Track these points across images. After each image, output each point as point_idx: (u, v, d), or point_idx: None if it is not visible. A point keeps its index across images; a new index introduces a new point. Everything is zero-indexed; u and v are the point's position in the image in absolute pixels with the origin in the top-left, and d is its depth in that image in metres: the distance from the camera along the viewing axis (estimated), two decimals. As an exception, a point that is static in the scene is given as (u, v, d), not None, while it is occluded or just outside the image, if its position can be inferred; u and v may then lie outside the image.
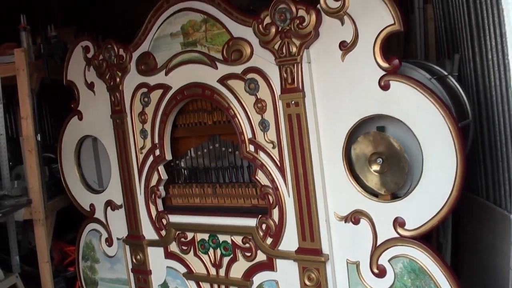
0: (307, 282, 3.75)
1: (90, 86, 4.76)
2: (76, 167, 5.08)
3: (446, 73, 4.14)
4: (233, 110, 3.92)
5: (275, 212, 3.84)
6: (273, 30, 3.62)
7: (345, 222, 3.61)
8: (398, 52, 5.68)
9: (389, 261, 3.47)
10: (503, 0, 1.83)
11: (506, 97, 3.58)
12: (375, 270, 3.53)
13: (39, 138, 5.30)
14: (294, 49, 3.57)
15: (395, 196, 3.51)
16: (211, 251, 4.24)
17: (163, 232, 4.46)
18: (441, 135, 3.19)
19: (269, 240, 3.90)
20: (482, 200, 4.15)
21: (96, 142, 4.98)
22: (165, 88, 4.25)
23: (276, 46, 3.64)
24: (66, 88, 5.09)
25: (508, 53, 1.91)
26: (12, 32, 5.62)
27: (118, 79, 4.48)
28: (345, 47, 3.43)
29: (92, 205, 4.98)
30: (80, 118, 4.91)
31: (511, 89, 2.33)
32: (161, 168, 4.40)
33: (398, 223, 3.40)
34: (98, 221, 4.97)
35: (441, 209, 3.25)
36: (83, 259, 5.20)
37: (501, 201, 3.80)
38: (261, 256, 3.98)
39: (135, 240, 4.65)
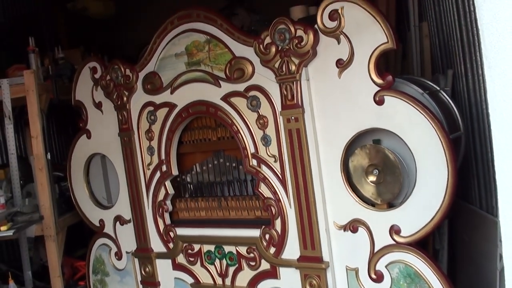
0: (309, 289, 3.91)
1: (98, 106, 4.89)
2: (85, 184, 5.19)
3: (438, 88, 4.28)
4: (236, 126, 4.06)
5: (278, 223, 3.99)
6: (273, 49, 3.78)
7: (344, 230, 3.76)
8: (396, 67, 5.82)
9: (386, 266, 3.62)
10: (479, 20, 1.98)
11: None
12: (373, 276, 3.68)
13: (49, 157, 5.39)
14: (293, 67, 3.73)
15: (391, 205, 3.67)
16: (217, 261, 4.38)
17: (171, 245, 4.59)
18: (433, 146, 3.35)
19: (272, 250, 4.04)
20: (476, 209, 4.25)
21: (104, 159, 5.09)
22: (171, 106, 4.38)
23: (276, 65, 3.79)
24: (72, 107, 5.23)
25: (483, 70, 2.08)
26: (21, 55, 5.78)
27: (125, 98, 4.62)
28: (342, 65, 3.59)
29: (101, 221, 5.10)
30: (89, 137, 5.03)
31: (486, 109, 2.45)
32: (168, 183, 4.53)
33: (394, 230, 3.56)
34: (107, 235, 5.08)
35: (434, 216, 3.40)
36: (93, 273, 5.30)
37: (493, 209, 3.92)
38: (265, 265, 4.12)
39: (143, 253, 4.78)
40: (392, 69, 5.75)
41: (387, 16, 3.47)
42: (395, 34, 3.43)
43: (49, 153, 5.42)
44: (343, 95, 3.63)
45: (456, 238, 4.70)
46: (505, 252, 2.15)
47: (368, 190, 3.69)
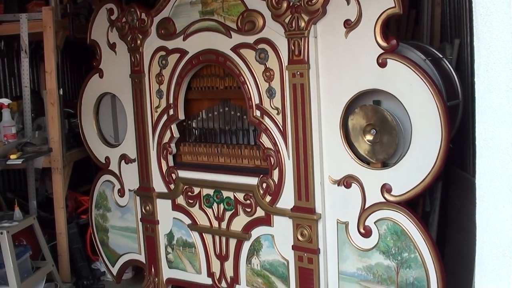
0: (300, 238, 4.05)
1: (112, 46, 5.00)
2: (95, 122, 5.34)
3: (441, 56, 4.38)
4: (243, 77, 4.17)
5: (275, 173, 4.13)
6: (284, 5, 3.86)
7: (338, 185, 3.90)
8: (407, 33, 5.88)
9: (375, 222, 3.77)
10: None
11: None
12: (362, 230, 3.83)
13: (61, 92, 5.51)
14: (302, 24, 3.83)
15: (384, 164, 3.81)
16: (215, 205, 4.53)
17: (172, 186, 4.75)
18: (430, 111, 3.46)
19: (268, 198, 4.19)
20: (469, 176, 4.33)
21: (114, 99, 5.23)
22: (182, 52, 4.49)
23: (287, 20, 3.88)
24: (87, 46, 5.34)
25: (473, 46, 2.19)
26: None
27: (139, 41, 4.73)
28: (349, 25, 3.69)
29: (107, 158, 5.26)
30: (101, 76, 5.16)
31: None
32: (174, 126, 4.66)
33: (386, 189, 3.70)
34: (112, 173, 5.25)
35: (424, 178, 3.54)
36: (96, 207, 5.48)
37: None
38: (260, 212, 4.28)
39: (145, 192, 4.94)
40: (404, 33, 5.81)
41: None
42: (403, 0, 3.51)
43: (61, 89, 5.52)
44: (348, 54, 3.73)
45: (448, 204, 4.81)
46: (477, 212, 2.28)
47: (364, 148, 3.82)
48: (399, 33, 5.74)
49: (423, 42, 5.18)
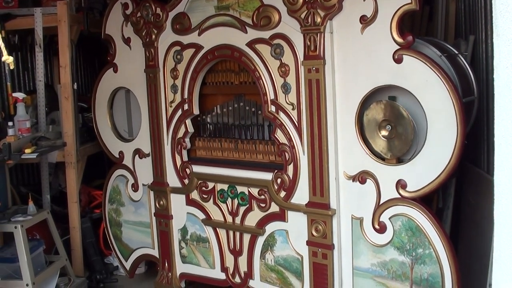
0: (314, 233, 4.06)
1: (127, 41, 5.02)
2: (109, 116, 5.36)
3: (456, 52, 4.37)
4: (258, 72, 4.18)
5: (290, 168, 4.13)
6: (300, 0, 3.87)
7: (353, 181, 3.91)
8: (421, 28, 5.87)
9: (389, 218, 3.77)
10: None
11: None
12: (377, 226, 3.83)
13: (75, 87, 5.51)
14: (318, 19, 3.83)
15: (400, 161, 3.81)
16: (229, 200, 4.55)
17: (186, 181, 4.77)
18: (445, 108, 3.46)
19: (282, 193, 4.20)
20: (483, 173, 4.34)
21: (128, 94, 5.24)
22: (197, 47, 4.49)
23: (303, 15, 3.88)
24: (101, 41, 5.36)
25: (492, 42, 2.19)
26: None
27: (153, 36, 4.74)
28: (365, 21, 3.69)
29: (121, 153, 5.28)
30: (115, 71, 5.17)
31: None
32: (188, 121, 4.67)
33: (401, 185, 3.70)
34: (126, 167, 5.27)
35: (440, 175, 3.54)
36: (109, 202, 5.51)
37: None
38: (274, 208, 4.29)
39: (159, 187, 4.96)
40: (417, 29, 5.80)
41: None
42: (420, -4, 3.51)
43: (75, 83, 5.54)
44: (364, 50, 3.73)
45: (462, 200, 4.81)
46: (495, 209, 2.28)
47: (380, 144, 3.82)
48: (413, 29, 5.72)
49: (438, 38, 5.17)
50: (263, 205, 4.36)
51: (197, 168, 4.70)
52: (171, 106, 4.75)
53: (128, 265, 5.48)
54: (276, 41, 4.06)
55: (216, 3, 4.36)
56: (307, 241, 4.13)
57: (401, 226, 3.74)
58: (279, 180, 4.21)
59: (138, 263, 5.47)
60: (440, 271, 3.63)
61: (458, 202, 4.80)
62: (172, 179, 4.87)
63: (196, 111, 4.64)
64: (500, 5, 2.10)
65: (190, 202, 4.80)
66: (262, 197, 4.35)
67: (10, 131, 5.04)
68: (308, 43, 3.90)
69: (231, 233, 4.61)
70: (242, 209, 4.50)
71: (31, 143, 5.03)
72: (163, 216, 4.99)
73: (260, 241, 4.43)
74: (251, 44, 4.20)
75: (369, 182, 3.84)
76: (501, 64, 2.15)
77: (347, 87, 3.85)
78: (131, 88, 5.13)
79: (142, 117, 5.04)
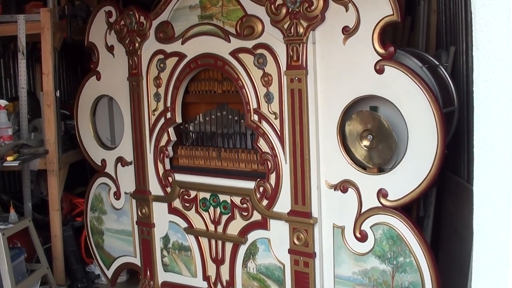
0: (296, 242, 4.08)
1: (110, 49, 5.02)
2: (91, 124, 5.35)
3: (437, 63, 4.42)
4: (241, 81, 4.19)
5: (272, 177, 4.15)
6: (283, 11, 3.89)
7: (335, 190, 3.94)
8: (403, 39, 5.92)
9: (371, 227, 3.81)
10: (472, 4, 2.14)
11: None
12: (358, 235, 3.86)
13: (58, 94, 5.49)
14: (301, 30, 3.86)
15: (381, 170, 3.85)
16: (211, 209, 4.55)
17: (169, 189, 4.76)
18: (426, 118, 3.51)
19: (265, 202, 4.22)
20: (463, 182, 4.40)
21: (111, 101, 5.23)
22: (181, 56, 4.50)
23: (285, 26, 3.91)
24: (83, 48, 5.35)
25: (472, 54, 2.24)
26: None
27: (137, 44, 4.74)
28: (347, 32, 3.73)
29: (103, 160, 5.27)
30: (98, 78, 5.16)
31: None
32: (171, 130, 4.67)
33: (382, 194, 3.74)
34: (108, 175, 5.26)
35: (420, 184, 3.59)
36: (91, 210, 5.49)
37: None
38: (256, 216, 4.30)
39: (142, 195, 4.95)
40: (399, 40, 5.85)
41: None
42: (401, 8, 3.55)
43: (58, 91, 5.52)
44: (346, 61, 3.76)
45: (442, 209, 4.85)
46: (475, 218, 2.32)
47: (361, 153, 3.86)
48: (395, 39, 5.78)
49: (419, 49, 5.22)
50: (245, 213, 4.36)
51: (179, 177, 4.70)
52: (154, 115, 4.75)
53: (110, 273, 5.47)
54: (259, 50, 4.08)
55: (200, 12, 4.37)
56: (289, 250, 4.15)
57: (382, 234, 3.77)
58: (261, 189, 4.23)
59: (120, 271, 5.46)
60: (420, 279, 3.67)
61: (439, 210, 4.84)
62: (155, 188, 4.87)
63: (179, 119, 4.64)
64: (480, 19, 2.15)
65: (172, 210, 4.79)
66: (245, 205, 4.35)
67: (-8, 138, 5.01)
68: (291, 53, 3.92)
69: (213, 241, 4.61)
70: (224, 218, 4.50)
71: (13, 150, 5.01)
72: (145, 224, 4.99)
73: (242, 249, 4.44)
74: (234, 53, 4.21)
75: (351, 191, 3.87)
76: (480, 77, 2.20)
77: (329, 97, 3.88)
78: (114, 96, 5.13)
79: (125, 125, 5.04)
